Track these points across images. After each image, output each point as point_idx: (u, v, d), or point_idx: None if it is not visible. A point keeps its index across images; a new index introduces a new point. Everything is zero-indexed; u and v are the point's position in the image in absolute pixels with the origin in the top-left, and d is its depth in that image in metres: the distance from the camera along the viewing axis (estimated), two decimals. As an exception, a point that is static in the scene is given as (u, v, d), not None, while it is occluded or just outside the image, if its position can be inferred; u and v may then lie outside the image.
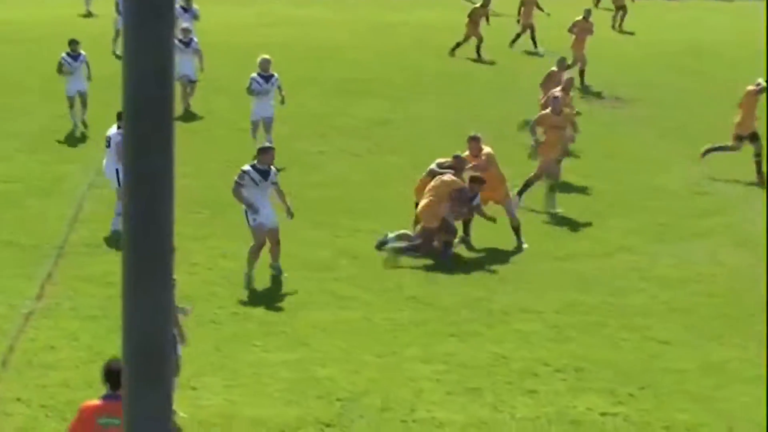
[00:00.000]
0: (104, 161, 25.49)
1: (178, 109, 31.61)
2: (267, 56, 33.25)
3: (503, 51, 50.89)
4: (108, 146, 25.70)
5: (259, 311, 22.25)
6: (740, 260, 25.66)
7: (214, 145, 33.60)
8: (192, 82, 38.20)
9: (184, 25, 39.25)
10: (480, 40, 50.78)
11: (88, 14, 59.04)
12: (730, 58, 51.65)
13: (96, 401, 14.18)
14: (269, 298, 22.95)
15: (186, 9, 44.87)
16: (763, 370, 20.41)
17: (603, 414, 18.66)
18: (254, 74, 33.15)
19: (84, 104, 35.32)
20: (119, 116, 23.38)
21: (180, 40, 36.16)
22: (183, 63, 36.05)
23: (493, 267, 25.41)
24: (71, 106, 35.63)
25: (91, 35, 45.23)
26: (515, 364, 20.19)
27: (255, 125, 33.28)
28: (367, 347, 20.74)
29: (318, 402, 18.60)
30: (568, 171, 30.85)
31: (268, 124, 33.39)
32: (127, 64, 6.36)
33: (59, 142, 34.19)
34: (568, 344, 21.26)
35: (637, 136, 36.72)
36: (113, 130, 25.09)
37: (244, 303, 22.52)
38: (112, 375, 13.81)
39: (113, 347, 18.27)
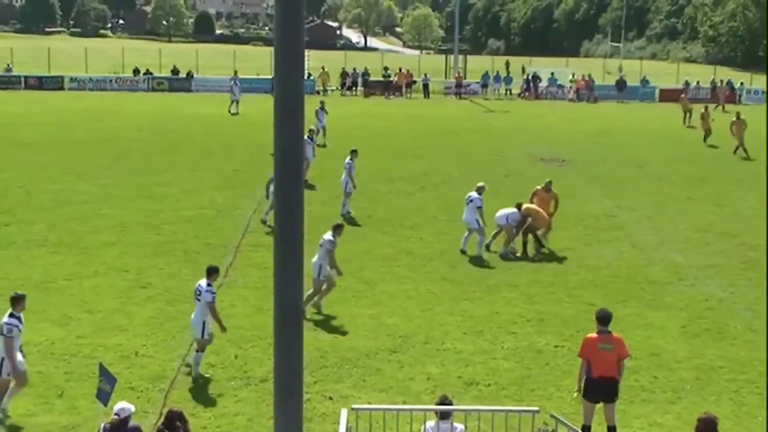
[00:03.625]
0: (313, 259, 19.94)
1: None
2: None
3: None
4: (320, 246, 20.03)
5: (353, 284, 22.69)
6: (634, 256, 25.82)
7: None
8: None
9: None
10: None
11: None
12: (625, 135, 51.84)
13: (594, 334, 13.99)
14: (358, 277, 23.31)
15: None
16: (656, 317, 21.06)
17: (556, 346, 18.67)
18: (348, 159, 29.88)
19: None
20: (336, 227, 20.44)
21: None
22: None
23: (492, 261, 25.47)
24: None
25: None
26: (503, 316, 20.31)
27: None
28: (416, 306, 21.03)
29: (387, 338, 18.90)
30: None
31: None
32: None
33: (234, 184, 34.71)
34: (534, 305, 21.20)
35: (571, 182, 36.93)
36: (327, 235, 20.08)
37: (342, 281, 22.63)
38: (604, 318, 13.98)
39: (268, 305, 18.80)
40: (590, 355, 13.82)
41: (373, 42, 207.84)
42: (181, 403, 14.92)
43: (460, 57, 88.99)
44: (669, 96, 76.77)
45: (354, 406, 12.78)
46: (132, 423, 11.83)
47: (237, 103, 58.91)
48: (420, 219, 29.78)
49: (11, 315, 14.71)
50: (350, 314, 20.34)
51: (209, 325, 16.68)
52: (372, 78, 77.20)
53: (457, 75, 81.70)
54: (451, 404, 12.16)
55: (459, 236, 26.24)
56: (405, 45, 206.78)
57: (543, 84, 78.77)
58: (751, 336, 19.71)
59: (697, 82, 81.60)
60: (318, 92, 70.57)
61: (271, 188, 26.15)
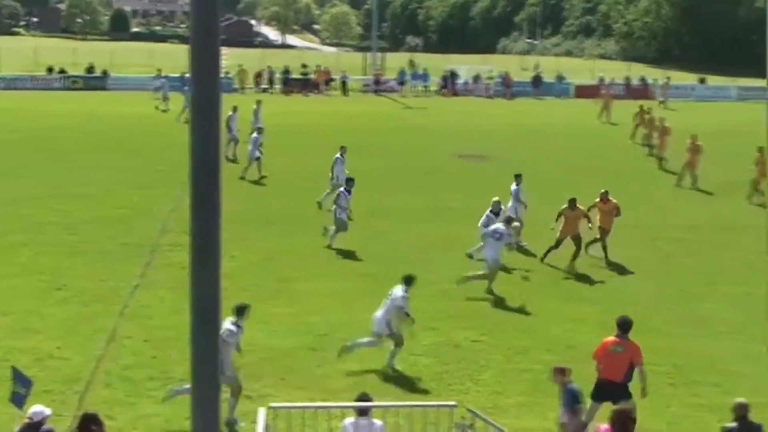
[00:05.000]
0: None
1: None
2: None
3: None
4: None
5: (272, 283, 22.66)
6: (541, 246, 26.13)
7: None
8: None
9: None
10: None
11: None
12: (543, 131, 52.40)
13: (612, 337, 14.54)
14: (277, 276, 23.27)
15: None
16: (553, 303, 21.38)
17: (474, 341, 18.94)
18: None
19: None
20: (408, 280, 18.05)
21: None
22: None
23: (410, 257, 25.60)
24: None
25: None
26: (422, 312, 20.14)
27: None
28: (335, 304, 21.02)
29: (306, 336, 19.00)
30: (469, 198, 31.20)
31: None
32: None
33: (154, 183, 34.41)
34: (453, 301, 21.50)
35: (491, 178, 37.13)
36: (399, 290, 17.65)
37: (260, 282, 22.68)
38: (623, 325, 14.48)
39: (186, 305, 18.74)
40: (602, 357, 14.43)
41: (291, 40, 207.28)
42: (97, 405, 14.74)
43: (379, 54, 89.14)
44: (584, 92, 77.65)
45: (272, 404, 12.77)
46: (45, 426, 11.68)
47: (167, 100, 58.47)
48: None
49: (234, 323, 15.06)
50: (269, 313, 20.25)
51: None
52: (291, 76, 77.00)
53: (375, 72, 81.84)
54: (370, 401, 12.21)
55: (378, 233, 26.37)
56: (323, 42, 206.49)
57: (461, 81, 79.32)
58: (668, 328, 20.09)
59: (612, 79, 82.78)
60: (235, 90, 70.18)
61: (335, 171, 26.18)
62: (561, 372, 13.63)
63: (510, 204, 27.06)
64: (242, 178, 35.35)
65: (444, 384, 16.71)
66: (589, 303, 21.92)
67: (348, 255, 25.29)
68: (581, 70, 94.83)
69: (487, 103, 71.42)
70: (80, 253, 24.64)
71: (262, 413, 12.11)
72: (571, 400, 13.15)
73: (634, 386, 14.49)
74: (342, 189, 26.60)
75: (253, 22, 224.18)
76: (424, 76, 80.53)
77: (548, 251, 25.21)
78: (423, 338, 19.05)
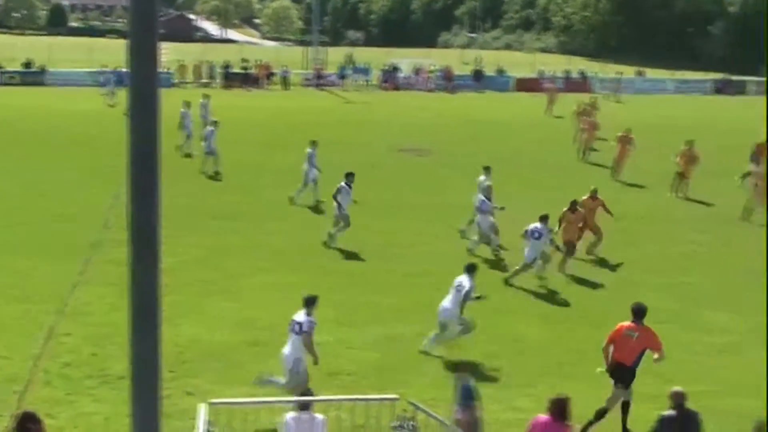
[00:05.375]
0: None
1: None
2: None
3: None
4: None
5: (216, 277, 22.57)
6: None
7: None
8: None
9: None
10: None
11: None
12: (491, 127, 52.57)
13: (628, 323, 14.99)
14: (221, 271, 23.17)
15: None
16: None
17: (417, 334, 18.67)
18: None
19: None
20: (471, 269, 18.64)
21: None
22: None
23: (354, 251, 25.73)
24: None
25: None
26: (366, 307, 20.57)
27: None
28: (279, 299, 20.68)
29: (249, 331, 18.93)
30: (408, 189, 31.15)
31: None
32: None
33: (96, 180, 34.07)
34: (396, 294, 21.58)
35: (433, 172, 37.36)
36: (465, 279, 18.18)
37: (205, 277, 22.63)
38: (638, 311, 15.05)
39: (125, 302, 18.59)
40: (615, 339, 14.94)
41: (231, 34, 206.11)
42: (36, 404, 14.58)
43: (320, 48, 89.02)
44: (525, 86, 78.23)
45: (213, 400, 12.73)
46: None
47: (114, 95, 57.96)
48: (286, 212, 29.84)
49: (306, 315, 15.22)
50: (212, 308, 20.27)
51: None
52: (231, 70, 76.69)
53: (316, 66, 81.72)
54: (311, 395, 12.22)
55: (320, 228, 26.37)
56: (264, 37, 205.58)
57: (402, 75, 79.44)
58: (607, 319, 20.19)
59: (552, 72, 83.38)
60: (174, 85, 69.74)
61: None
62: (461, 368, 13.77)
63: (478, 196, 26.83)
64: (203, 172, 35.55)
65: (387, 377, 16.74)
66: (532, 295, 22.08)
67: (294, 250, 25.25)
68: (521, 64, 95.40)
69: (428, 97, 71.60)
70: (21, 252, 24.35)
71: (202, 409, 12.08)
72: (466, 396, 13.18)
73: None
74: (343, 184, 26.19)
75: (193, 16, 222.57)
76: (366, 70, 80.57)
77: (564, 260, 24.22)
78: (367, 332, 19.11)
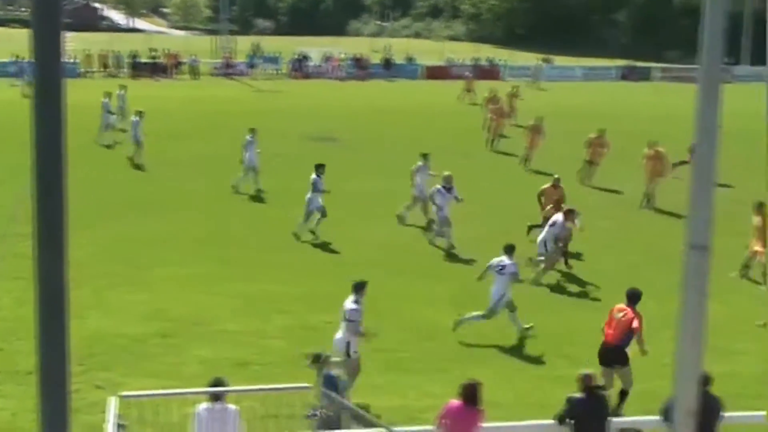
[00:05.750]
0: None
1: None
2: None
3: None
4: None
5: (123, 270, 22.32)
6: (405, 231, 26.37)
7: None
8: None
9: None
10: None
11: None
12: (401, 115, 52.71)
13: (620, 305, 15.48)
14: (129, 263, 22.96)
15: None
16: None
17: (327, 323, 18.22)
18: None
19: None
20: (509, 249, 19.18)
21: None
22: None
23: (262, 240, 25.59)
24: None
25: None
26: (275, 296, 20.55)
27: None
28: (188, 289, 20.84)
29: (158, 323, 18.79)
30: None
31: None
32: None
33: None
34: (307, 283, 21.59)
35: (343, 160, 37.34)
36: (507, 260, 18.82)
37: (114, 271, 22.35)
38: (631, 296, 15.51)
39: (31, 296, 18.25)
40: (608, 322, 15.43)
41: (139, 23, 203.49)
42: (-58, 401, 14.36)
43: (229, 37, 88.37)
44: (434, 74, 78.60)
45: (123, 393, 12.59)
46: None
47: (31, 85, 56.97)
48: (196, 201, 29.70)
49: (354, 301, 15.38)
50: (120, 300, 20.10)
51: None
52: (139, 60, 75.83)
53: (225, 55, 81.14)
54: (224, 386, 12.17)
55: (228, 217, 26.29)
56: (172, 26, 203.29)
57: (312, 63, 79.30)
58: (517, 303, 20.47)
59: (461, 60, 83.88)
60: (80, 75, 68.76)
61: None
62: (317, 358, 13.74)
63: (417, 181, 27.35)
64: (135, 163, 35.40)
65: (299, 366, 16.68)
66: (439, 281, 22.23)
67: (204, 240, 25.10)
68: (430, 52, 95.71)
69: (338, 86, 71.58)
70: None
71: (112, 403, 11.95)
72: (327, 386, 13.14)
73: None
74: (314, 176, 26.13)
75: (98, 5, 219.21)
76: (275, 59, 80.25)
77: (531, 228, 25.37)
78: (276, 321, 19.11)
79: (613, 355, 15.28)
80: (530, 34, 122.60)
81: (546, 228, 23.13)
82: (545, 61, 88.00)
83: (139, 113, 36.68)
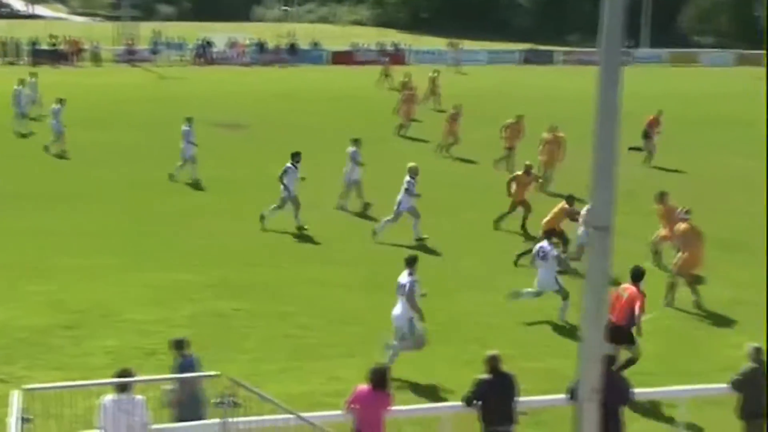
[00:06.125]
0: None
1: None
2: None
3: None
4: None
5: (24, 261, 21.90)
6: (313, 216, 25.98)
7: None
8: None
9: None
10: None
11: None
12: (307, 101, 52.57)
13: (624, 284, 15.71)
14: (31, 254, 22.53)
15: None
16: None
17: (235, 309, 18.92)
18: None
19: None
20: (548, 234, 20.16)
21: None
22: None
23: (161, 230, 25.34)
24: None
25: None
26: (182, 284, 20.30)
27: None
28: (93, 280, 20.48)
29: (62, 314, 18.38)
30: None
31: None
32: None
33: None
34: (213, 270, 21.30)
35: (250, 147, 37.09)
36: (547, 245, 18.97)
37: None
38: (634, 274, 15.74)
39: None
40: (613, 302, 15.41)
41: (39, 10, 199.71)
42: None
43: (131, 24, 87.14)
44: (340, 59, 78.49)
45: (27, 386, 12.33)
46: None
47: None
48: (102, 192, 29.22)
49: (410, 274, 15.77)
50: (22, 292, 19.70)
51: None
52: (39, 47, 74.42)
53: (128, 42, 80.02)
54: (131, 376, 12.00)
55: (133, 207, 25.96)
56: (73, 12, 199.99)
57: (216, 49, 78.62)
58: (428, 287, 20.54)
59: (366, 45, 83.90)
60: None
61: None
62: (179, 344, 13.60)
63: (349, 166, 27.39)
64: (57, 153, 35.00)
65: (207, 354, 16.51)
66: (344, 265, 22.21)
67: (108, 231, 24.76)
68: (336, 37, 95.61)
69: (243, 72, 71.06)
70: None
71: (16, 396, 11.70)
72: (183, 371, 13.02)
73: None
74: (289, 164, 25.67)
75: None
76: (179, 45, 79.41)
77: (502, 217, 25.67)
78: (184, 309, 18.90)
79: (618, 335, 15.31)
80: (434, 18, 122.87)
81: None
82: (453, 45, 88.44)
83: (60, 101, 36.02)
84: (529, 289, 19.17)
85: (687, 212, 20.56)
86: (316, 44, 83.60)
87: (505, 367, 12.38)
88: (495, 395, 12.07)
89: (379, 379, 11.72)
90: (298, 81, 64.23)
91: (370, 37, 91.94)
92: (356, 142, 28.09)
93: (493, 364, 12.24)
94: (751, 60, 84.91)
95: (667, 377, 15.36)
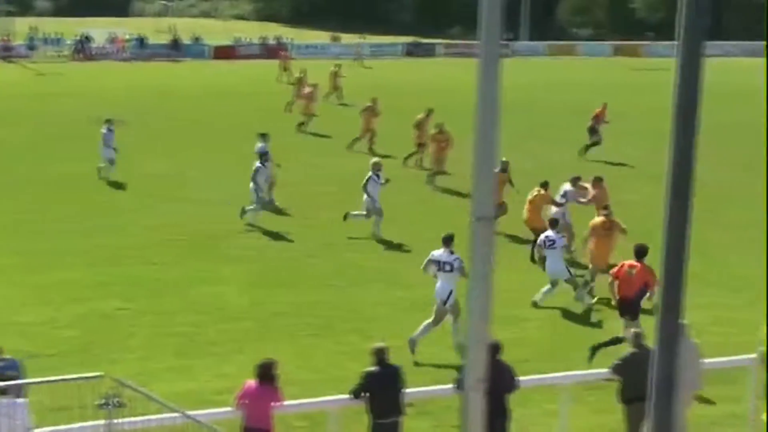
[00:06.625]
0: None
1: None
2: None
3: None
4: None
5: None
6: (199, 213, 25.73)
7: None
8: None
9: None
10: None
11: None
12: (189, 96, 52.06)
13: (630, 261, 16.45)
14: None
15: None
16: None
17: (119, 309, 18.51)
18: None
19: None
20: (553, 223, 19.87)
21: None
22: None
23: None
24: None
25: None
26: (66, 284, 19.89)
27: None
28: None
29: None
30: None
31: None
32: None
33: None
34: (97, 268, 20.90)
35: (130, 142, 35.92)
36: (554, 234, 19.18)
37: None
38: (638, 251, 16.37)
39: None
40: (620, 276, 16.47)
41: None
42: None
43: (6, 19, 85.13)
44: (223, 54, 77.90)
45: None
46: None
47: None
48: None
49: (449, 252, 16.57)
50: None
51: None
52: None
53: (3, 38, 78.16)
54: (11, 380, 11.74)
55: (29, 205, 25.54)
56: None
57: (95, 45, 77.36)
58: (314, 281, 20.61)
59: (249, 39, 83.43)
60: None
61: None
62: None
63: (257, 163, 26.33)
64: None
65: (92, 355, 16.30)
66: (235, 262, 22.01)
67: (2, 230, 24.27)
68: (218, 32, 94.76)
69: (123, 67, 70.10)
70: None
71: None
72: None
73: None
74: (258, 164, 25.20)
75: None
76: (57, 41, 77.92)
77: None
78: (68, 310, 18.55)
79: (627, 307, 16.37)
80: (316, 12, 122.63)
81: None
82: (334, 39, 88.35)
83: None
84: (544, 289, 19.24)
85: (605, 208, 20.71)
86: (197, 39, 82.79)
87: (392, 360, 12.46)
88: (381, 387, 12.11)
89: (266, 373, 11.67)
90: (180, 76, 63.54)
91: (253, 32, 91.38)
92: (264, 137, 27.60)
93: (379, 355, 12.28)
94: (627, 51, 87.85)
95: (551, 364, 15.59)
